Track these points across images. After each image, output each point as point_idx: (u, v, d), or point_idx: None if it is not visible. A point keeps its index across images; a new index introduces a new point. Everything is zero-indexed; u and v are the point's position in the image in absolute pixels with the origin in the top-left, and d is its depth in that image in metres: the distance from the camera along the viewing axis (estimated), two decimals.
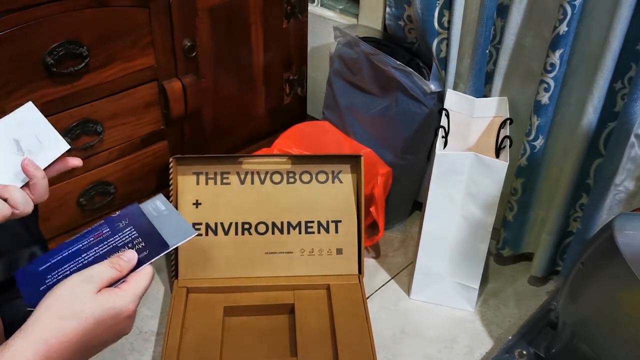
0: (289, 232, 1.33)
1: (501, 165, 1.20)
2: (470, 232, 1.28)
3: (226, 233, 1.32)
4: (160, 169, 1.37)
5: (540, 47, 1.27)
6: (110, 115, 1.22)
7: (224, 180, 1.33)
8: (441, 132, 1.27)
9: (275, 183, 1.34)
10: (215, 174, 1.33)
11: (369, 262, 1.48)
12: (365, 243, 1.42)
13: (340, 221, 1.33)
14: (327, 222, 1.33)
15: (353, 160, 1.33)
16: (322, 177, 1.34)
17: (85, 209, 1.25)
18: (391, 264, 1.49)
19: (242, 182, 1.33)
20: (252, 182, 1.33)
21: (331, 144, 1.47)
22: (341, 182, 1.34)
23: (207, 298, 1.27)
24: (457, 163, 1.22)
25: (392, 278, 1.45)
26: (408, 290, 1.41)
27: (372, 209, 1.43)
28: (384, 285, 1.43)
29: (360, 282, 1.31)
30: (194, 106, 1.36)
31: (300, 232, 1.33)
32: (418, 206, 1.63)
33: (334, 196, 1.34)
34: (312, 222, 1.33)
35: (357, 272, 1.33)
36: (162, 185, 1.39)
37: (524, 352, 1.19)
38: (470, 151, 1.22)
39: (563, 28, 1.16)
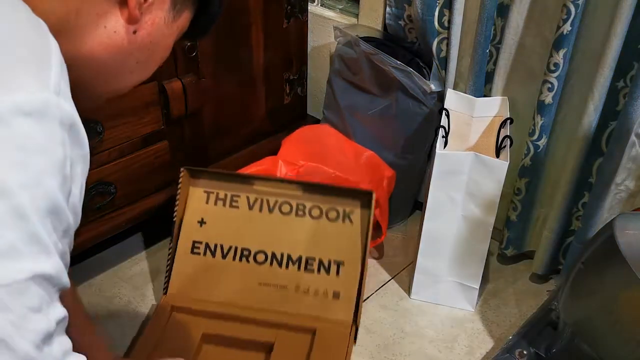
0: (287, 266, 1.26)
1: (501, 165, 1.19)
2: (471, 232, 1.28)
3: (224, 257, 1.27)
4: (160, 169, 1.36)
5: (540, 47, 1.27)
6: (110, 115, 1.21)
7: (233, 203, 1.29)
8: (441, 132, 1.27)
9: (284, 213, 1.28)
10: (226, 195, 1.29)
11: (370, 262, 1.48)
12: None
13: (342, 263, 1.25)
14: (329, 261, 1.25)
15: (365, 198, 1.25)
16: (332, 214, 1.27)
17: (86, 209, 1.25)
18: (391, 264, 1.49)
19: (251, 208, 1.28)
20: (261, 210, 1.28)
21: (333, 149, 1.44)
22: (351, 222, 1.26)
23: (188, 320, 1.22)
24: (458, 163, 1.22)
25: (392, 278, 1.45)
26: (408, 290, 1.41)
27: (376, 212, 1.42)
28: (384, 285, 1.43)
29: (350, 333, 1.21)
30: (194, 106, 1.36)
31: (299, 268, 1.26)
32: (418, 206, 1.63)
33: (341, 236, 1.26)
34: (314, 259, 1.26)
35: (351, 321, 1.22)
36: (163, 185, 1.39)
37: (525, 352, 1.18)
38: (470, 151, 1.22)
39: (567, 27, 1.16)
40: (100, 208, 1.28)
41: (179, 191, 1.27)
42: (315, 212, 1.27)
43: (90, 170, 0.57)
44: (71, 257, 0.54)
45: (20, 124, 0.46)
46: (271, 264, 1.26)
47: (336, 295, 1.24)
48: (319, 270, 1.25)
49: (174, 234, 1.28)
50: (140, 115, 1.27)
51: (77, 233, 0.56)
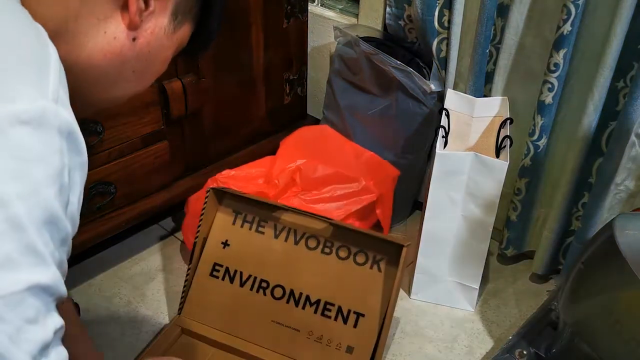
0: (303, 307, 1.18)
1: (501, 165, 1.20)
2: (471, 232, 1.28)
3: (242, 285, 1.22)
4: (160, 169, 1.36)
5: (540, 47, 1.27)
6: (110, 115, 1.21)
7: (259, 229, 1.24)
8: (441, 132, 1.27)
9: (310, 248, 1.21)
10: (253, 219, 1.24)
11: None
12: None
13: (363, 315, 1.15)
14: (349, 311, 1.16)
15: (397, 251, 1.15)
16: (360, 258, 1.17)
17: (85, 209, 1.25)
18: None
19: (276, 236, 1.23)
20: (286, 240, 1.22)
21: (333, 149, 1.44)
22: (380, 270, 1.16)
23: (195, 346, 1.19)
24: (457, 163, 1.22)
25: None
26: (408, 290, 1.41)
27: (378, 212, 1.42)
28: None
29: None
30: (194, 106, 1.36)
31: (315, 311, 1.17)
32: (418, 206, 1.63)
33: (366, 284, 1.16)
34: (333, 305, 1.17)
35: None
36: (163, 185, 1.39)
37: (525, 352, 1.19)
38: (470, 151, 1.22)
39: (567, 28, 1.16)
40: (100, 208, 1.28)
41: (203, 211, 1.23)
42: (343, 253, 1.19)
43: (89, 170, 0.57)
44: (71, 257, 0.54)
45: (17, 133, 0.46)
46: (288, 301, 1.19)
47: (349, 350, 1.14)
48: (336, 317, 1.16)
49: (194, 254, 1.24)
50: (140, 115, 1.27)
51: (77, 233, 0.56)
